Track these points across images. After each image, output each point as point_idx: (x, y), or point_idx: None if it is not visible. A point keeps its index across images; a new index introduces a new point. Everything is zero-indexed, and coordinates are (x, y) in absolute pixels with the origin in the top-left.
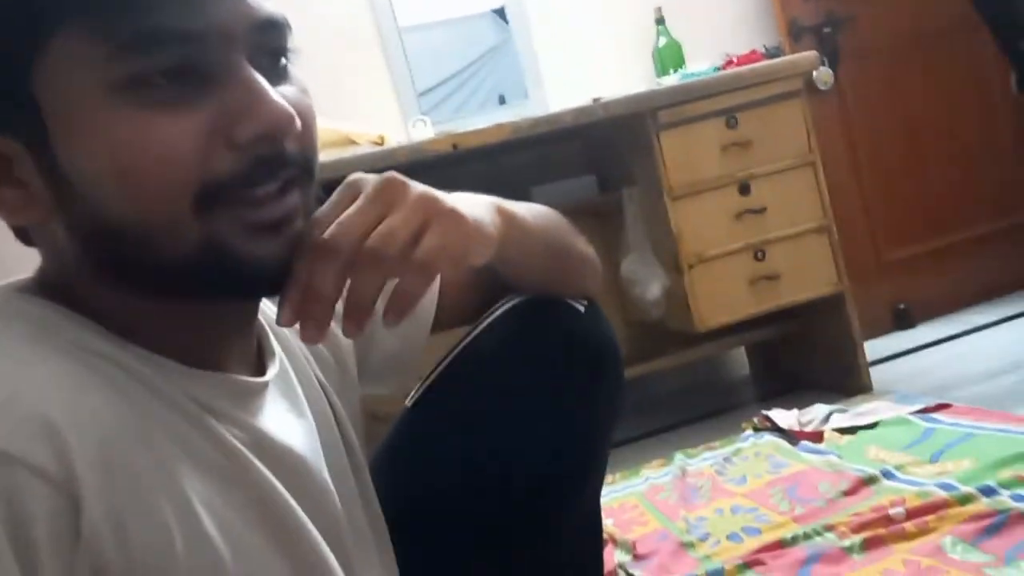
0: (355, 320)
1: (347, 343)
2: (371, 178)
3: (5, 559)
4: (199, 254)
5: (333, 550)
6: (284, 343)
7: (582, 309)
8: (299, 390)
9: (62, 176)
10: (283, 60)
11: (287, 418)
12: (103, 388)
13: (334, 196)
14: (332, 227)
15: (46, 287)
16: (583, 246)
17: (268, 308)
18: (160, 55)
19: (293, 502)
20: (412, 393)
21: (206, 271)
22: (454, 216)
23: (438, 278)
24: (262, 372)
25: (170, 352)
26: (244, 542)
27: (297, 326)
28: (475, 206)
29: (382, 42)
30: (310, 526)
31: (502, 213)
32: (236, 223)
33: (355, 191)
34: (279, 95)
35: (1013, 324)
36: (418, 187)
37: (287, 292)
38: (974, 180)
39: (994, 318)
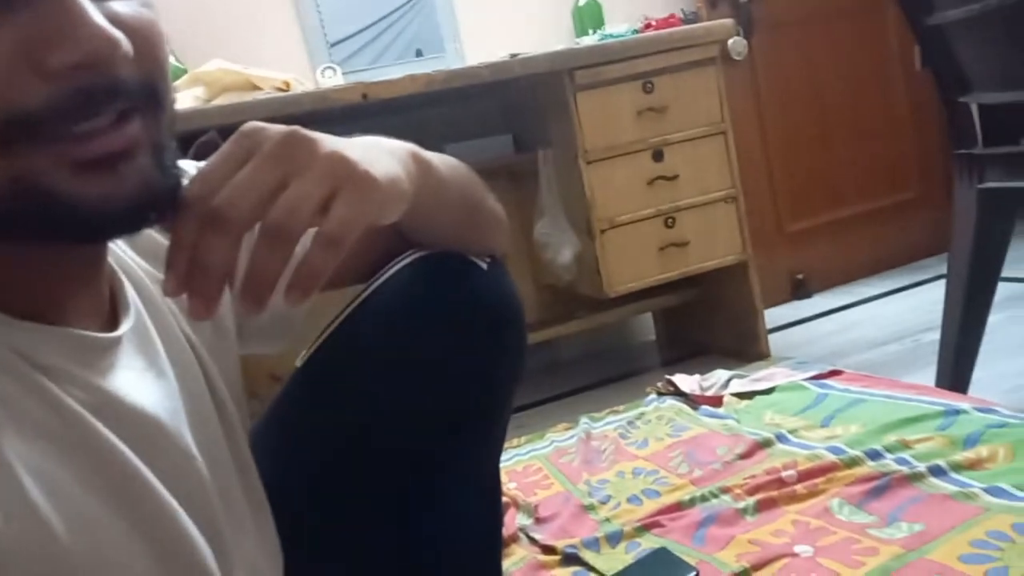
0: (253, 298)
1: (224, 299)
2: (271, 131)
3: None
4: (9, 196)
5: (198, 520)
6: (145, 294)
7: (484, 266)
8: (160, 347)
9: None
10: None
11: (144, 377)
12: None
13: (225, 147)
14: (225, 189)
15: None
16: (493, 203)
17: (125, 255)
18: None
19: (146, 470)
20: (303, 353)
21: (21, 215)
22: (368, 181)
23: None
24: (115, 327)
25: (1, 304)
26: (85, 514)
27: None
28: (390, 155)
29: None
30: (166, 496)
31: (418, 161)
32: (54, 160)
33: (252, 145)
34: (100, 15)
35: (902, 296)
36: (326, 144)
37: (171, 260)
38: (872, 155)
39: (884, 289)
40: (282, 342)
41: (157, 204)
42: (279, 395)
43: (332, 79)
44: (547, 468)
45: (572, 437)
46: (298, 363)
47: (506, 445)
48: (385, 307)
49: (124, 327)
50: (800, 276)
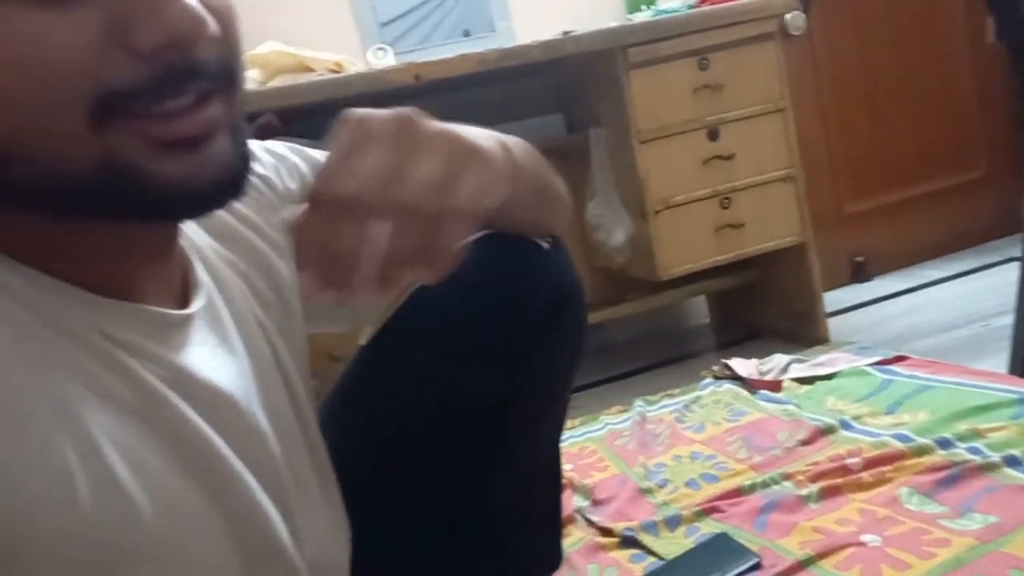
0: (387, 281)
1: (289, 278)
2: (381, 116)
3: None
4: (97, 173)
5: (270, 494)
6: (217, 275)
7: (546, 247)
8: (230, 325)
9: None
10: None
11: (216, 354)
12: None
13: (339, 138)
14: (352, 178)
15: None
16: (557, 182)
17: (195, 234)
18: None
19: (221, 443)
20: (367, 331)
21: (107, 192)
22: (485, 158)
23: None
24: (187, 304)
25: (79, 281)
26: (164, 486)
27: (236, 260)
28: (486, 138)
29: None
30: (241, 469)
31: (505, 149)
32: (140, 139)
33: (364, 132)
34: None
35: (969, 278)
36: (437, 124)
37: (305, 258)
38: (936, 132)
39: (951, 272)
40: (348, 322)
41: (235, 185)
42: (344, 373)
43: (384, 60)
44: (602, 450)
45: (627, 420)
46: (362, 342)
47: None
48: (447, 287)
49: (196, 305)
50: (860, 259)
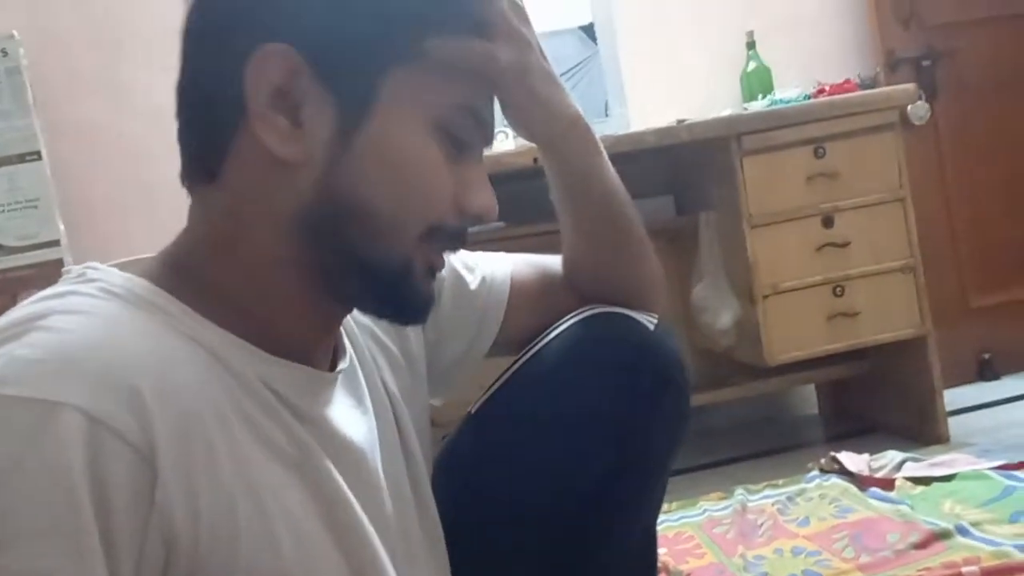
0: None
1: (419, 348)
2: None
3: (85, 514)
4: (397, 267)
5: (384, 546)
6: (355, 344)
7: (652, 326)
8: (364, 388)
9: (352, 144)
10: None
11: (353, 413)
12: (190, 368)
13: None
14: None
15: (169, 263)
16: (644, 234)
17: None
18: (465, 126)
19: (353, 499)
20: (477, 400)
21: (389, 281)
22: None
23: (506, 301)
24: (335, 366)
25: (258, 338)
26: (304, 530)
27: (373, 327)
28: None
29: None
30: (367, 523)
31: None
32: (426, 262)
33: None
34: None
35: None
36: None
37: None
38: None
39: None
40: (451, 391)
41: (430, 309)
42: (452, 440)
43: (504, 144)
44: (699, 537)
45: (727, 508)
46: (471, 410)
47: None
48: (557, 359)
49: (341, 366)
50: (987, 355)
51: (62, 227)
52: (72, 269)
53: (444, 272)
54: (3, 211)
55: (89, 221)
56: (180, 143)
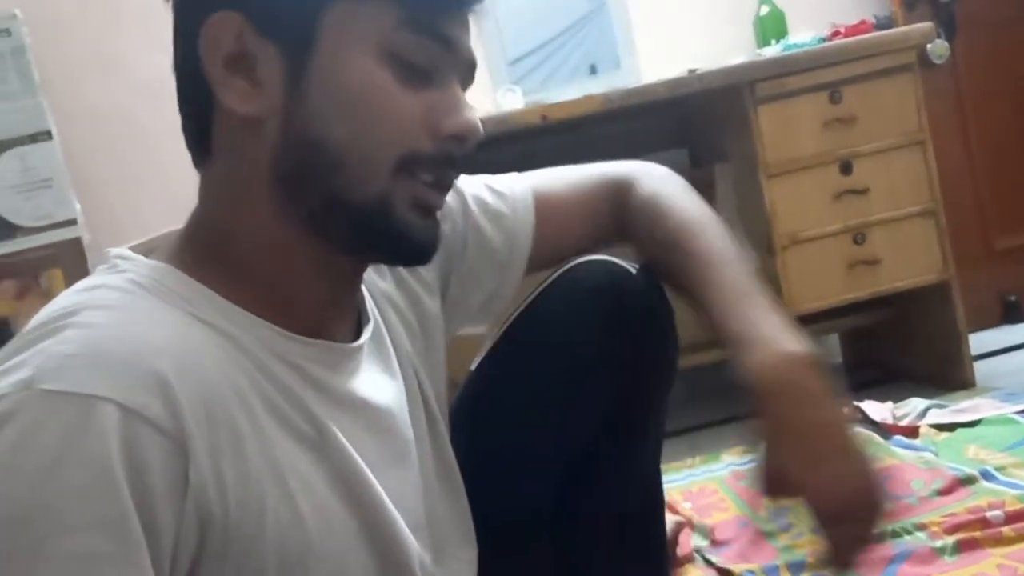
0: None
1: (435, 312)
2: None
3: (125, 500)
4: (373, 205)
5: (405, 517)
6: (380, 308)
7: (633, 270)
8: (392, 352)
9: (304, 88)
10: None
11: (380, 379)
12: (211, 354)
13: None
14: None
15: (189, 246)
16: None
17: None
18: (424, 44)
19: (368, 472)
20: (476, 358)
21: (371, 220)
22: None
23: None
24: (359, 334)
25: (275, 317)
26: (327, 509)
27: (391, 295)
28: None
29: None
30: (389, 505)
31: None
32: (408, 195)
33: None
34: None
35: None
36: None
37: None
38: None
39: None
40: (487, 322)
41: (432, 252)
42: (457, 397)
43: (513, 100)
44: (723, 491)
45: (751, 461)
46: (472, 367)
47: (680, 465)
48: (540, 312)
49: (365, 335)
50: (1012, 298)
51: (78, 206)
52: (108, 254)
53: (464, 225)
54: (18, 191)
55: (103, 199)
56: (182, 129)
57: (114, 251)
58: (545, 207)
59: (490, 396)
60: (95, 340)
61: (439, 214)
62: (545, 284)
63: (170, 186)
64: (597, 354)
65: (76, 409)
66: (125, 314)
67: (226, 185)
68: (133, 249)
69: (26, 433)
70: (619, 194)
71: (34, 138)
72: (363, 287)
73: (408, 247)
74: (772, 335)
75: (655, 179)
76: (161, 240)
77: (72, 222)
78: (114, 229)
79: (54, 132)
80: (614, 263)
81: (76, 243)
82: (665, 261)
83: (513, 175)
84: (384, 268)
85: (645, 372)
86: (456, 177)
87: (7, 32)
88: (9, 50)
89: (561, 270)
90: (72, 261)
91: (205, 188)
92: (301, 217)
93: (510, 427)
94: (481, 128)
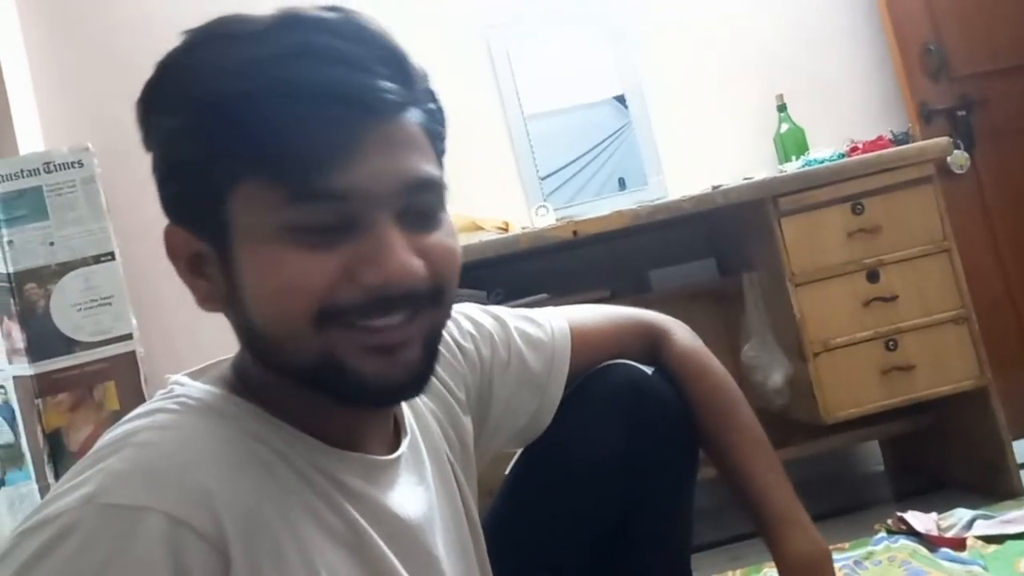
0: None
1: (469, 428)
2: None
3: None
4: (318, 364)
5: None
6: (420, 418)
7: (649, 371)
8: (427, 461)
9: (234, 281)
10: (434, 211)
11: (414, 491)
12: (254, 467)
13: None
14: None
15: (237, 372)
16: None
17: None
18: (316, 208)
19: (404, 574)
20: (510, 464)
21: (325, 380)
22: None
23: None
24: (397, 446)
25: (316, 431)
26: None
27: (432, 402)
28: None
29: (508, 130)
30: None
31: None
32: (352, 344)
33: None
34: (407, 250)
35: None
36: None
37: None
38: None
39: None
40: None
41: (417, 386)
42: (493, 502)
43: (545, 217)
44: None
45: None
46: (507, 472)
47: None
48: (565, 417)
49: (402, 447)
50: None
51: (134, 322)
52: (167, 380)
53: (507, 352)
54: (79, 309)
55: (157, 316)
56: None
57: (172, 377)
58: (580, 337)
59: (518, 506)
60: (149, 458)
61: (416, 347)
62: (569, 389)
63: None
64: (622, 452)
65: (128, 519)
66: (177, 433)
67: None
68: (188, 375)
69: (85, 542)
70: (651, 337)
71: (98, 259)
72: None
73: (374, 391)
74: (806, 524)
75: (688, 334)
76: (213, 367)
77: (128, 336)
78: (168, 345)
79: (117, 253)
80: (632, 366)
81: (131, 357)
82: (704, 421)
83: (549, 309)
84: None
85: (669, 465)
86: (423, 305)
87: (79, 163)
88: (80, 179)
89: (582, 377)
90: (125, 374)
91: None
92: (290, 384)
93: (538, 537)
94: (409, 270)
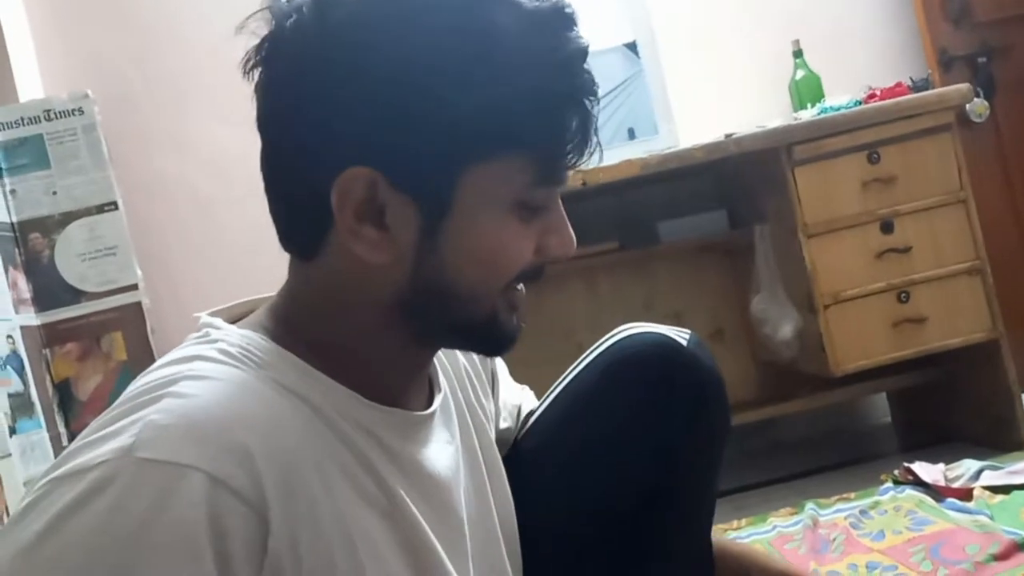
0: None
1: (490, 409)
2: None
3: (207, 564)
4: (485, 317)
5: (458, 567)
6: (453, 366)
7: (684, 342)
8: (455, 421)
9: (435, 243)
10: None
11: (445, 449)
12: (293, 424)
13: None
14: None
15: (280, 319)
16: None
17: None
18: (548, 191)
19: (436, 542)
20: (522, 428)
21: (481, 332)
22: None
23: None
24: (431, 401)
25: (358, 385)
26: (391, 572)
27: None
28: None
29: None
30: (448, 563)
31: None
32: (507, 302)
33: None
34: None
35: None
36: None
37: None
38: None
39: None
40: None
41: (516, 340)
42: (508, 455)
43: None
44: (771, 553)
45: (797, 523)
46: (516, 437)
47: (726, 527)
48: (588, 388)
49: (436, 403)
50: None
51: (139, 272)
52: (199, 320)
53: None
54: (84, 259)
55: (162, 266)
56: (272, 217)
57: (203, 319)
58: None
59: (534, 471)
60: (189, 411)
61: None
62: (593, 355)
63: (227, 255)
64: (644, 431)
65: (168, 476)
66: (219, 385)
67: (332, 296)
68: (217, 315)
69: (122, 497)
70: None
71: (101, 208)
72: (438, 365)
73: (505, 342)
74: None
75: None
76: (243, 308)
77: (133, 287)
78: (173, 294)
79: (120, 203)
80: (663, 335)
81: (136, 307)
82: None
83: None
84: (457, 366)
85: (696, 448)
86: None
87: (80, 110)
88: (81, 127)
89: (610, 341)
90: (132, 324)
91: (303, 282)
92: (409, 331)
93: (556, 503)
94: (574, 244)
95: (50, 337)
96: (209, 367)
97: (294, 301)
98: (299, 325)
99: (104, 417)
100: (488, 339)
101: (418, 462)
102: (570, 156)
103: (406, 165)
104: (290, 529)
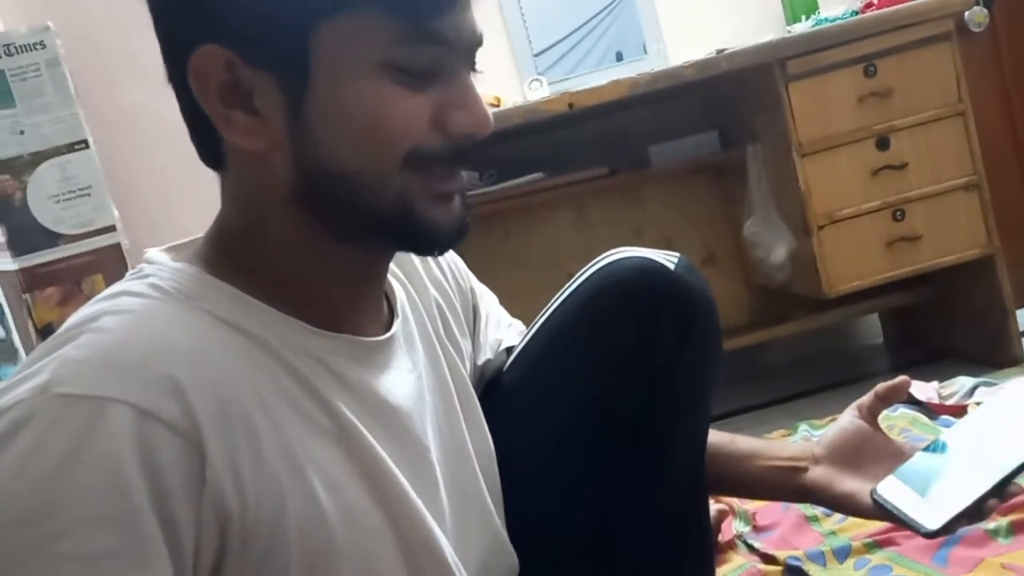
0: None
1: (463, 311)
2: None
3: (139, 499)
4: (393, 206)
5: (431, 509)
6: (415, 303)
7: (672, 266)
8: (419, 345)
9: (305, 117)
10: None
11: (405, 377)
12: (228, 355)
13: None
14: None
15: (215, 245)
16: None
17: (397, 268)
18: (420, 51)
19: (393, 466)
20: (515, 349)
21: (397, 224)
22: None
23: None
24: (390, 327)
25: (303, 312)
26: (352, 505)
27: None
28: None
29: (499, 2)
30: (415, 499)
31: None
32: (425, 190)
33: None
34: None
35: None
36: None
37: None
38: None
39: None
40: None
41: (461, 235)
42: (489, 396)
43: (539, 91)
44: None
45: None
46: (504, 369)
47: None
48: (575, 314)
49: (394, 328)
50: None
51: (116, 212)
52: (145, 256)
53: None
54: (58, 201)
55: (140, 205)
56: (191, 138)
57: (147, 253)
58: None
59: (515, 403)
60: (110, 344)
61: (462, 197)
62: (577, 283)
63: (206, 188)
64: (633, 361)
65: (88, 410)
66: (141, 318)
67: (243, 201)
68: (172, 251)
69: (40, 435)
70: None
71: (71, 147)
72: (397, 285)
73: (437, 237)
74: None
75: None
76: (190, 243)
77: (111, 228)
78: (152, 233)
79: (90, 141)
80: (651, 260)
81: (116, 249)
82: None
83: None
84: (417, 276)
85: (685, 373)
86: (470, 162)
87: (41, 44)
88: (44, 62)
89: (594, 268)
90: (113, 266)
91: (225, 193)
92: (325, 230)
93: (543, 432)
94: (491, 120)
95: (29, 282)
96: (134, 301)
97: (225, 225)
98: (234, 253)
99: (26, 360)
100: (413, 235)
101: (372, 388)
102: (432, 6)
103: (254, 35)
104: (231, 459)
